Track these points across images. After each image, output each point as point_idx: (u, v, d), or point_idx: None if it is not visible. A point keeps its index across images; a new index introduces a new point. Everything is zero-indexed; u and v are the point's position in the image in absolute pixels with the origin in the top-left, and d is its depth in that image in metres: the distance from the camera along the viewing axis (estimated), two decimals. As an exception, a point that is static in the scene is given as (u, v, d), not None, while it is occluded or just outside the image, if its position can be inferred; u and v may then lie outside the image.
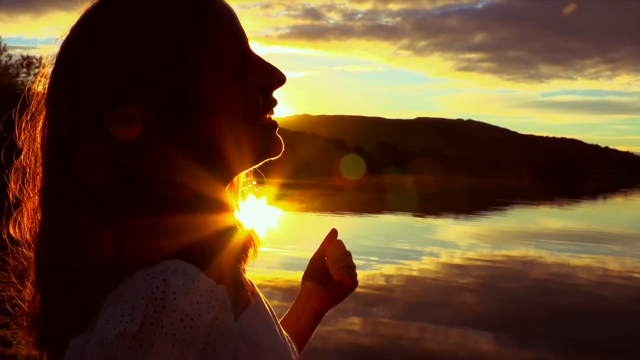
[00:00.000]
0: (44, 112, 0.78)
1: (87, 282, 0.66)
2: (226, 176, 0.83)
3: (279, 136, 0.84)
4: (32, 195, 0.78)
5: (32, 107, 0.81)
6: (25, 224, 0.79)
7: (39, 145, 0.78)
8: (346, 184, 69.25)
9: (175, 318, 0.58)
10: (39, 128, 0.79)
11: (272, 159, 0.86)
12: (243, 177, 0.96)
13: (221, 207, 0.80)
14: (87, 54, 0.73)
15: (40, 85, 0.81)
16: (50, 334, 0.72)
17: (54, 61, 0.78)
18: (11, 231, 0.80)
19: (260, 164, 0.87)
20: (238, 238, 0.81)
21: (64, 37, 0.78)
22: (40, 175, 0.77)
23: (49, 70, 0.78)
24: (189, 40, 0.73)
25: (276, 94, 0.85)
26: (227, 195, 0.85)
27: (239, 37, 0.80)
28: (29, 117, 0.81)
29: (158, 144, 0.72)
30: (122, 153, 0.71)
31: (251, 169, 0.89)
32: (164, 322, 0.57)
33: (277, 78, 0.82)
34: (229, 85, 0.76)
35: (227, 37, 0.77)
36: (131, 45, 0.72)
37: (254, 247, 0.86)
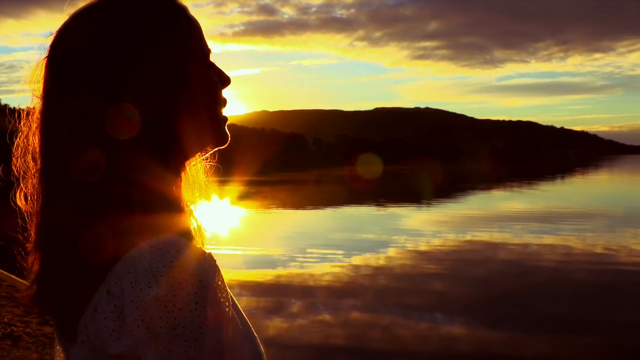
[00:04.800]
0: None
1: (65, 269, 0.76)
2: (179, 164, 0.87)
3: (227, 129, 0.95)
4: (33, 178, 0.87)
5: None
6: (28, 200, 0.87)
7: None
8: (310, 177, 69.20)
9: (193, 280, 0.69)
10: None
11: (221, 148, 0.94)
12: (202, 175, 0.99)
13: (176, 205, 0.84)
14: (78, 51, 0.80)
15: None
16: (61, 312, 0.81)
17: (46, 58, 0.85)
18: (18, 201, 0.88)
19: (209, 152, 0.94)
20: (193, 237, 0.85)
21: (53, 37, 0.85)
22: (38, 161, 0.85)
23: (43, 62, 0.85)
24: (173, 34, 0.84)
25: (231, 92, 0.95)
26: (182, 190, 0.88)
27: (204, 39, 0.91)
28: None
29: (126, 144, 0.78)
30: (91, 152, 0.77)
31: (201, 159, 0.95)
32: (184, 284, 0.68)
33: (226, 77, 0.93)
34: (206, 73, 0.88)
35: (199, 35, 0.89)
36: (120, 41, 0.80)
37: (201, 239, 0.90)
